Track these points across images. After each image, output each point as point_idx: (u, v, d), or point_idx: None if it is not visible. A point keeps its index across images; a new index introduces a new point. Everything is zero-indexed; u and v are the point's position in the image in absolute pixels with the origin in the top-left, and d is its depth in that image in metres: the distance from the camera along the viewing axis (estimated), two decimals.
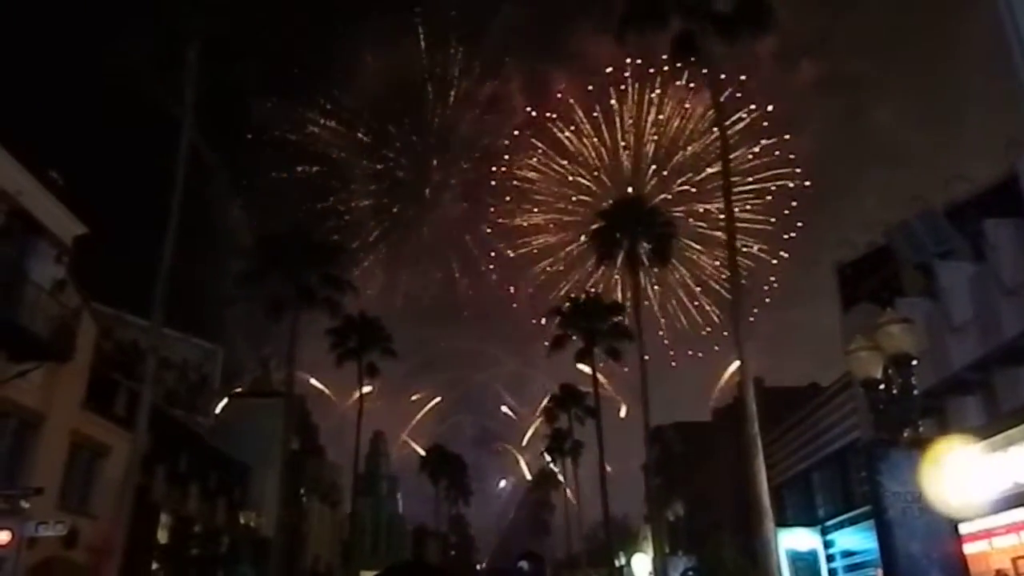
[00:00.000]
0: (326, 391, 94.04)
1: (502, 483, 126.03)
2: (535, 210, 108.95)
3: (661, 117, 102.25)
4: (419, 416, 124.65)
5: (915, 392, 9.42)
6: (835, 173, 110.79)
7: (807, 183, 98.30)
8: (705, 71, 21.22)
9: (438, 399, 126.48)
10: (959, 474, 11.64)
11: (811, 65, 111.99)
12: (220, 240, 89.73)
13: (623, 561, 51.53)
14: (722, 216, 19.78)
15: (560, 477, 66.15)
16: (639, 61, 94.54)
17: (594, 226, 36.05)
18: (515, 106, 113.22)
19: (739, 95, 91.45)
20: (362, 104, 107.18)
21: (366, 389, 42.83)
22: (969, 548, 10.37)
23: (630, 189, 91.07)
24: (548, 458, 64.96)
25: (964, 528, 10.30)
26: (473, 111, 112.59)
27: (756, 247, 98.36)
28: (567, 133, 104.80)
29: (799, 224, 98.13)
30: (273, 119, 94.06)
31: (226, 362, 44.67)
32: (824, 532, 24.13)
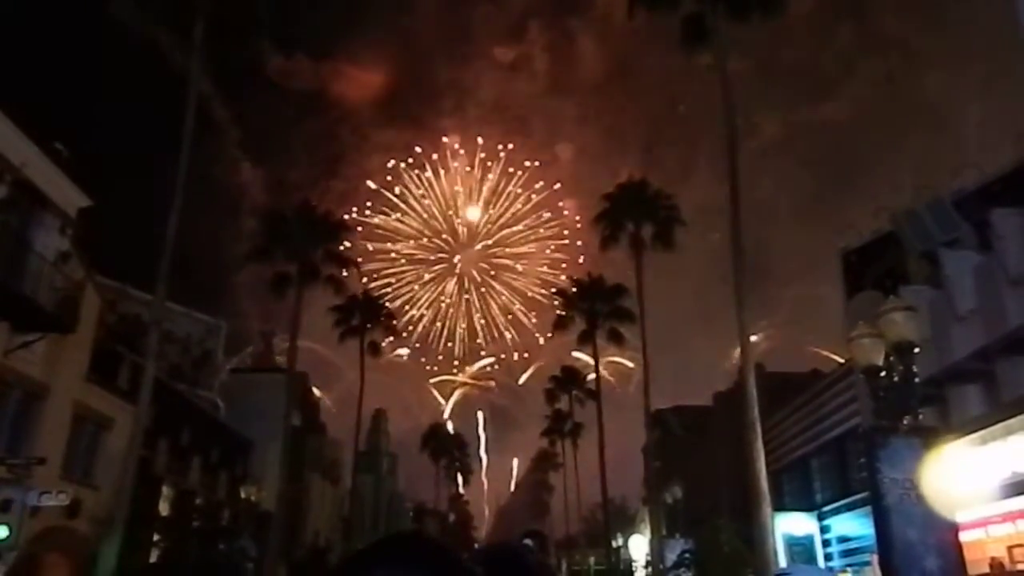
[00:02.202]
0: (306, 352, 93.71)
1: (514, 462, 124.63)
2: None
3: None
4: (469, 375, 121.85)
5: (916, 380, 9.41)
6: (874, 140, 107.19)
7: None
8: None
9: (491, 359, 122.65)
10: (957, 463, 11.66)
11: (848, 29, 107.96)
12: (231, 200, 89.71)
13: (620, 542, 51.94)
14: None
15: (560, 458, 66.44)
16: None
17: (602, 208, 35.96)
18: (537, 68, 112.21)
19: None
20: (378, 64, 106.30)
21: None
22: (965, 536, 10.41)
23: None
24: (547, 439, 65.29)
25: (961, 516, 10.33)
26: (493, 72, 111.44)
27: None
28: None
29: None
30: (286, 73, 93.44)
31: (233, 328, 45.04)
32: (821, 517, 24.26)
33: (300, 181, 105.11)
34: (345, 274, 35.36)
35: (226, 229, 79.11)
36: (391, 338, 45.08)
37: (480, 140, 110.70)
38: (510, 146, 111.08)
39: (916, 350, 9.38)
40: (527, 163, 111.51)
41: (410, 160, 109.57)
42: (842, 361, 24.76)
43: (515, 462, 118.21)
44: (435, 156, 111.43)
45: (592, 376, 44.08)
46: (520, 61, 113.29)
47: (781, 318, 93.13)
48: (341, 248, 34.67)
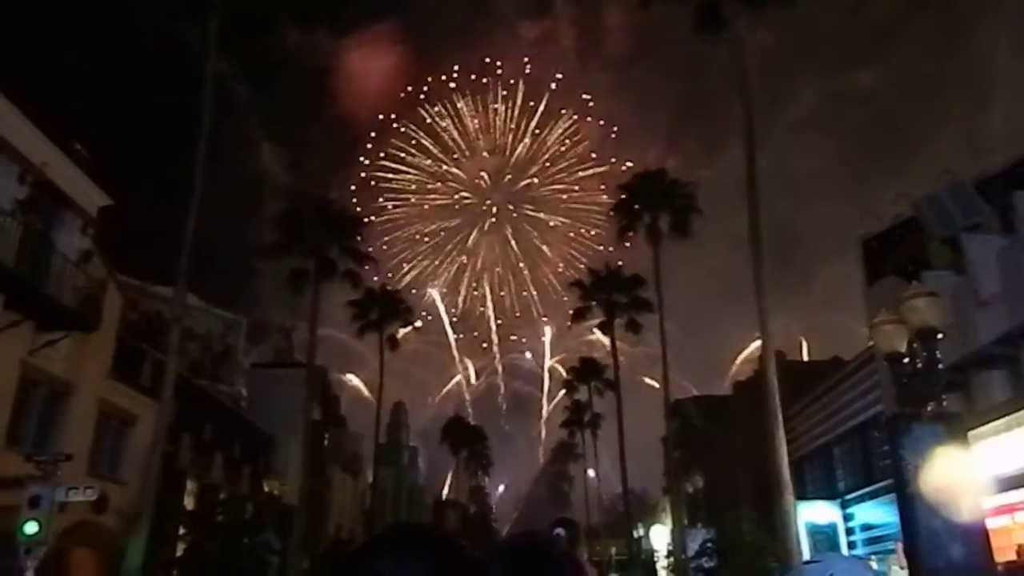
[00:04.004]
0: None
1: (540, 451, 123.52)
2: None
3: None
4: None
5: (939, 366, 9.30)
6: (919, 111, 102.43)
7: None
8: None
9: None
10: (982, 449, 11.53)
11: None
12: (253, 184, 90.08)
13: (641, 533, 51.88)
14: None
15: (579, 449, 66.49)
16: None
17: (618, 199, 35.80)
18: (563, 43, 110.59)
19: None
20: (400, 40, 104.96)
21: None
22: (992, 523, 10.30)
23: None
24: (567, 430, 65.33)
25: (987, 503, 10.22)
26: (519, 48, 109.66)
27: None
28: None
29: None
30: (305, 50, 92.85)
31: (256, 316, 45.52)
32: (844, 506, 24.11)
33: (321, 165, 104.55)
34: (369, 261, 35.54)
35: (248, 214, 79.59)
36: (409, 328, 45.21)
37: (528, 67, 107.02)
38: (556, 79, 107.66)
39: (939, 336, 9.27)
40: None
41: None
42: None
43: (540, 451, 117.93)
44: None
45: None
46: (545, 36, 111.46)
47: (817, 297, 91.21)
48: (358, 243, 34.81)
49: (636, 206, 33.92)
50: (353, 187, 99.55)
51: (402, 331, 44.38)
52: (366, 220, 37.09)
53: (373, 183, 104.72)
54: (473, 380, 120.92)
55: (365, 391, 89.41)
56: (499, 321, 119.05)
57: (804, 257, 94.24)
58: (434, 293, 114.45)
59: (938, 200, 17.62)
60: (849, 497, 24.01)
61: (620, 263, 41.74)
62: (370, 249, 37.80)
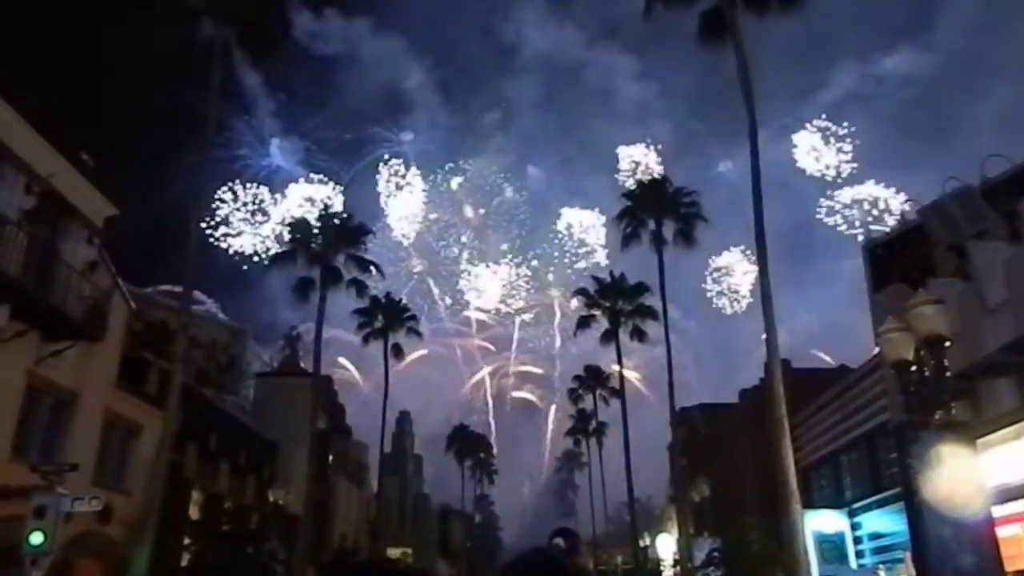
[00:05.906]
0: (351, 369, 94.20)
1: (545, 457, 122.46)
2: None
3: None
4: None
5: (947, 374, 9.24)
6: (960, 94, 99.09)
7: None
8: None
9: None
10: (991, 458, 11.46)
11: None
12: (262, 181, 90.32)
13: (648, 542, 51.68)
14: None
15: (584, 458, 66.32)
16: None
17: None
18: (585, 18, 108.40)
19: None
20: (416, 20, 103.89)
21: None
22: (1001, 531, 10.21)
23: None
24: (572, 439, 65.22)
25: (996, 511, 10.14)
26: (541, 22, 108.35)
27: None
28: None
29: None
30: (315, 34, 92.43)
31: (265, 317, 45.53)
32: (851, 514, 23.95)
33: (329, 162, 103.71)
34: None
35: (257, 211, 79.91)
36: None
37: None
38: None
39: (947, 344, 9.22)
40: None
41: None
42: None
43: (545, 457, 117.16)
44: None
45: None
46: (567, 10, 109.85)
47: (842, 292, 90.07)
48: (363, 251, 34.83)
49: (641, 214, 33.92)
50: (360, 188, 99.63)
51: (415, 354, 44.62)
52: (372, 227, 36.82)
53: (382, 182, 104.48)
54: (488, 386, 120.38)
55: (357, 375, 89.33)
56: (508, 324, 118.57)
57: (831, 251, 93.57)
58: (440, 301, 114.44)
59: (944, 206, 17.54)
60: (857, 506, 23.85)
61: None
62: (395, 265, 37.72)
